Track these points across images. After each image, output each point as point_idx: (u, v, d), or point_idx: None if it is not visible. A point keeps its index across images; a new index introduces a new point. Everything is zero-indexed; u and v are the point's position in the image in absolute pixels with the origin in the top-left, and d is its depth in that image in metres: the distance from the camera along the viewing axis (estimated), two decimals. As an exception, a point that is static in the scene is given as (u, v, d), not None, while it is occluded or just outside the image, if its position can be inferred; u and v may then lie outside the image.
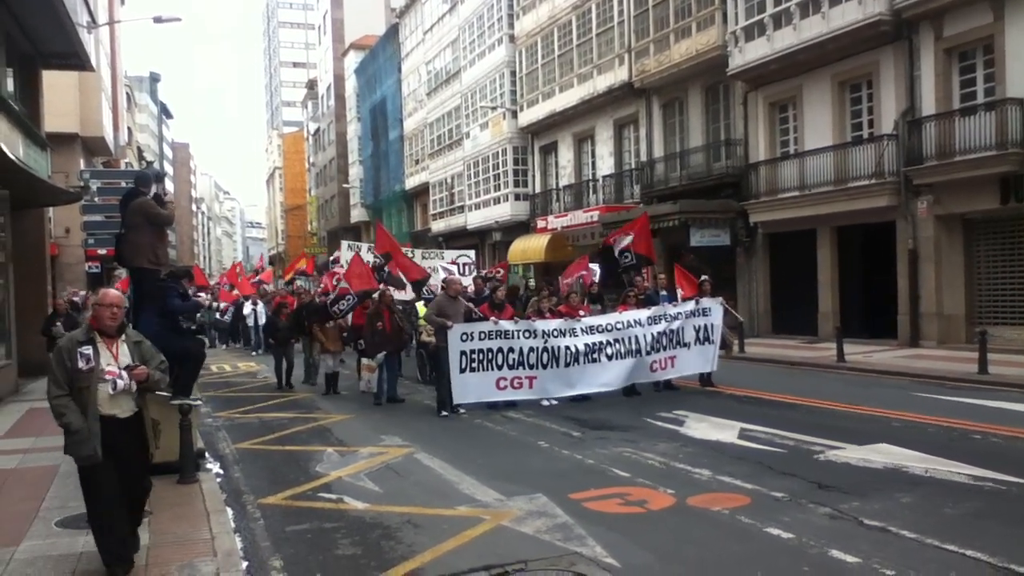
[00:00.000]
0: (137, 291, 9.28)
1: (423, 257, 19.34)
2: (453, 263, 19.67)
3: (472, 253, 22.30)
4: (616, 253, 15.18)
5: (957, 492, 6.88)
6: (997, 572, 5.08)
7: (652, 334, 12.90)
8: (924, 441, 8.84)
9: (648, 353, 12.84)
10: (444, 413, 11.87)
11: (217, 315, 26.61)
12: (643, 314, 13.06)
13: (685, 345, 13.22)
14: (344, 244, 19.61)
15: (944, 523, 6.04)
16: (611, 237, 15.82)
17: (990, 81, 17.00)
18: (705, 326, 13.43)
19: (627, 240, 15.09)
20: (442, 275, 15.78)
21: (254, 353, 23.90)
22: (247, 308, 25.29)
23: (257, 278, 31.36)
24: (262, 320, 22.53)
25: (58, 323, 14.17)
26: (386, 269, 16.04)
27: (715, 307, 13.71)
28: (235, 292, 28.43)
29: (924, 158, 17.72)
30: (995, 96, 16.64)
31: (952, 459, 7.89)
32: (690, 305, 13.47)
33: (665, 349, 13.03)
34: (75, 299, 23.90)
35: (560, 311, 13.07)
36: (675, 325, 13.13)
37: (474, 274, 20.15)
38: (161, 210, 8.82)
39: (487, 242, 38.10)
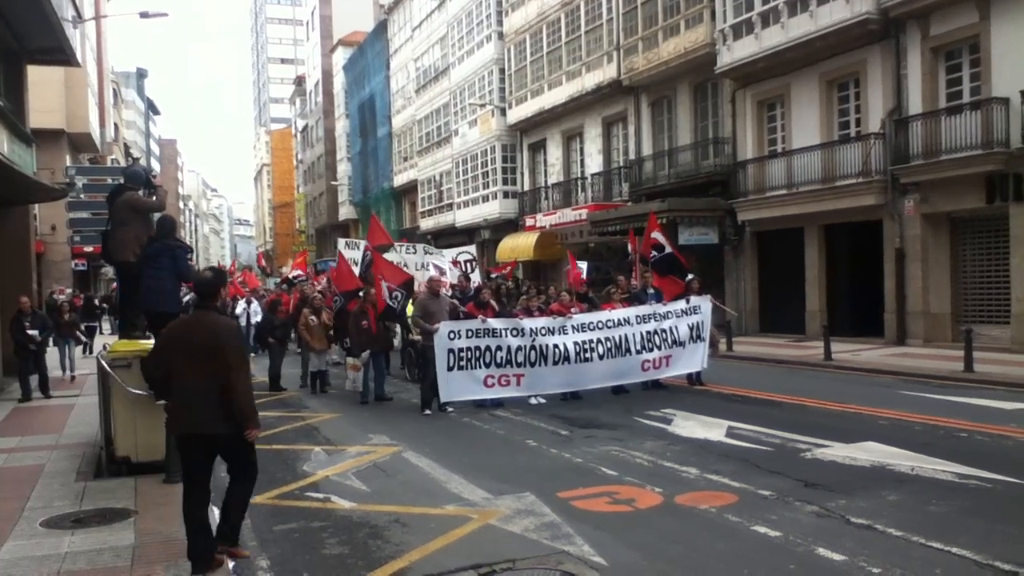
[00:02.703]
0: (123, 285, 9.24)
1: (425, 252, 19.08)
2: (455, 262, 19.57)
3: (473, 248, 22.12)
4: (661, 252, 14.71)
5: (943, 490, 6.92)
6: (982, 569, 5.11)
7: (642, 333, 12.90)
8: (910, 439, 8.89)
9: (639, 352, 12.84)
10: (427, 412, 11.87)
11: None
12: (631, 312, 13.07)
13: (681, 344, 13.24)
14: (341, 242, 19.38)
15: (930, 521, 6.08)
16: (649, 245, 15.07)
17: (976, 80, 17.10)
18: (698, 323, 13.47)
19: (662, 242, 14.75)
20: (433, 273, 15.72)
21: (252, 355, 22.99)
22: (239, 307, 24.57)
23: (240, 279, 30.17)
24: (255, 319, 21.44)
25: (27, 323, 13.85)
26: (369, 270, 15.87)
27: (704, 304, 13.75)
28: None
29: (911, 157, 17.80)
30: (981, 95, 16.74)
31: (938, 457, 7.95)
32: (680, 304, 13.48)
33: (660, 348, 13.03)
34: (60, 297, 23.69)
35: (552, 310, 13.08)
36: (666, 324, 13.13)
37: (476, 270, 20.13)
38: (149, 200, 8.77)
39: (476, 240, 38.03)
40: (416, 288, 15.46)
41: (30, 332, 13.75)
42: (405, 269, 15.54)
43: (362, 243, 18.49)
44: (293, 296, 20.59)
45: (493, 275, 20.74)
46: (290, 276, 27.60)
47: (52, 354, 15.48)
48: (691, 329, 13.37)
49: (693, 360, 13.50)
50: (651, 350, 12.96)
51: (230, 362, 5.21)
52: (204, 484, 5.37)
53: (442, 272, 16.58)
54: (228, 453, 5.44)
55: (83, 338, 20.81)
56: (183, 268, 8.43)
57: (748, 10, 21.18)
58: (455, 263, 19.51)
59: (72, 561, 5.59)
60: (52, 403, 13.58)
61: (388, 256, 16.47)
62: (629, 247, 17.51)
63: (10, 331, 14.04)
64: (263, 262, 41.25)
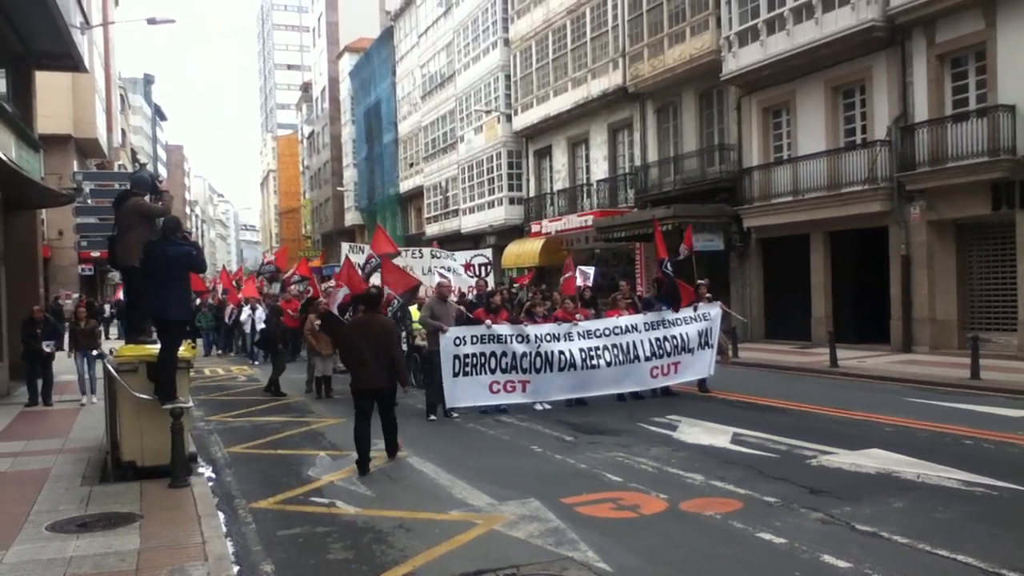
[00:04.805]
0: (130, 290, 9.28)
1: (433, 257, 18.97)
2: (468, 265, 19.53)
3: (488, 252, 22.01)
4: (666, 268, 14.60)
5: (948, 497, 6.90)
6: (988, 577, 5.10)
7: (651, 340, 12.88)
8: (916, 446, 8.87)
9: (647, 359, 12.82)
10: (432, 417, 11.85)
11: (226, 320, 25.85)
12: (639, 319, 13.06)
13: (689, 351, 13.23)
14: (345, 246, 19.34)
15: (935, 528, 6.06)
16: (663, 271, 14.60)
17: (982, 87, 17.06)
18: (707, 330, 13.46)
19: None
20: (437, 279, 15.70)
21: (253, 363, 21.89)
22: (244, 314, 24.20)
23: (258, 282, 29.26)
24: (259, 326, 20.62)
25: (38, 331, 13.84)
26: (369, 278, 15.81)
27: (714, 311, 13.74)
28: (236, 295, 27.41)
29: (917, 164, 17.77)
30: (987, 102, 16.70)
31: (943, 464, 7.92)
32: (689, 310, 13.46)
33: (669, 355, 13.02)
34: (65, 302, 23.73)
35: (557, 316, 13.05)
36: (675, 331, 13.11)
37: (491, 274, 20.06)
38: (155, 205, 8.81)
39: (481, 246, 38.07)
40: (422, 293, 15.47)
41: (45, 346, 13.67)
42: (411, 274, 15.55)
43: (366, 248, 18.46)
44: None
45: (521, 285, 20.66)
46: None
47: (67, 364, 15.40)
48: (700, 335, 13.37)
49: (701, 366, 13.51)
50: (660, 356, 12.94)
51: (393, 343, 8.77)
52: (369, 418, 8.64)
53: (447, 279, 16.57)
54: (384, 401, 8.81)
55: (103, 350, 20.34)
56: (199, 265, 8.68)
57: (754, 17, 21.19)
58: (468, 266, 19.48)
59: (77, 565, 5.60)
60: (58, 407, 13.61)
61: (395, 261, 16.45)
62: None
63: (21, 337, 14.08)
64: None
